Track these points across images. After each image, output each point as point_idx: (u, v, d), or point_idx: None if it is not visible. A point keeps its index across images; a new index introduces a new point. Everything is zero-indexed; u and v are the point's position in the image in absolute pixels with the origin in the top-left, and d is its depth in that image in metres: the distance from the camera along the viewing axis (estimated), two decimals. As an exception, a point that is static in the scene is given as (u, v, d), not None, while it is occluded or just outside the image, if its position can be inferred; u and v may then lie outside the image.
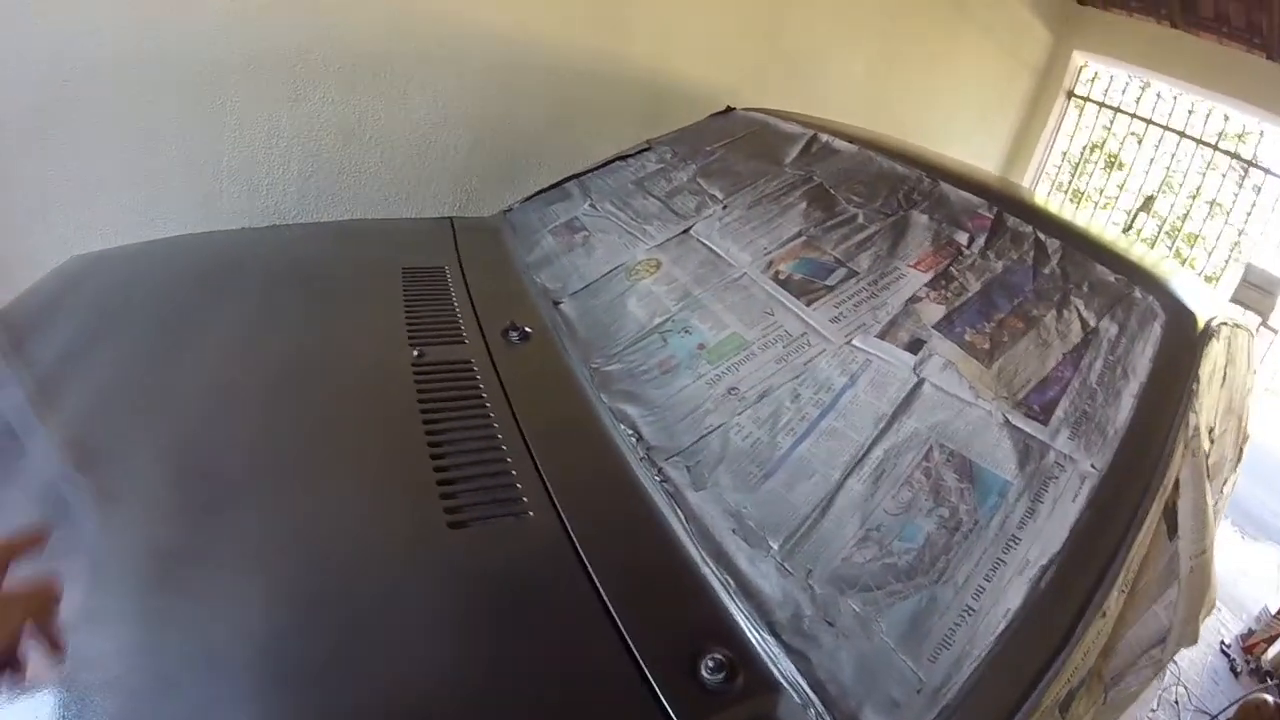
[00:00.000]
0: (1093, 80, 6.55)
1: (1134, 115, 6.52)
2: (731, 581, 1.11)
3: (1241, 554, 5.18)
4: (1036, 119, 6.50)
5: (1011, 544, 1.10)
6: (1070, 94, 6.53)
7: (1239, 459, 2.16)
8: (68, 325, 1.55)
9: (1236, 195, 6.68)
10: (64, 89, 2.32)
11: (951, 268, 1.59)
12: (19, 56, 2.24)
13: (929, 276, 1.57)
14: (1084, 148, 7.44)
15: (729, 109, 2.80)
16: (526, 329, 1.67)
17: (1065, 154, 7.03)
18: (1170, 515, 1.24)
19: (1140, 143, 6.87)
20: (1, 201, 2.37)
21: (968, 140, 5.93)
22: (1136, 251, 1.76)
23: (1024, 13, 5.82)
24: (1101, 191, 8.37)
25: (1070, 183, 7.75)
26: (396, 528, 1.16)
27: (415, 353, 1.53)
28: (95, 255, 1.89)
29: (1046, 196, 6.44)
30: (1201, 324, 1.41)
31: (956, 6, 5.20)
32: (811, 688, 0.98)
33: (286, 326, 1.65)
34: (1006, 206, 1.75)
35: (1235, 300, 5.69)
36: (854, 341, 1.45)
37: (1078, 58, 6.35)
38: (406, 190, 3.14)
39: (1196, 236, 8.47)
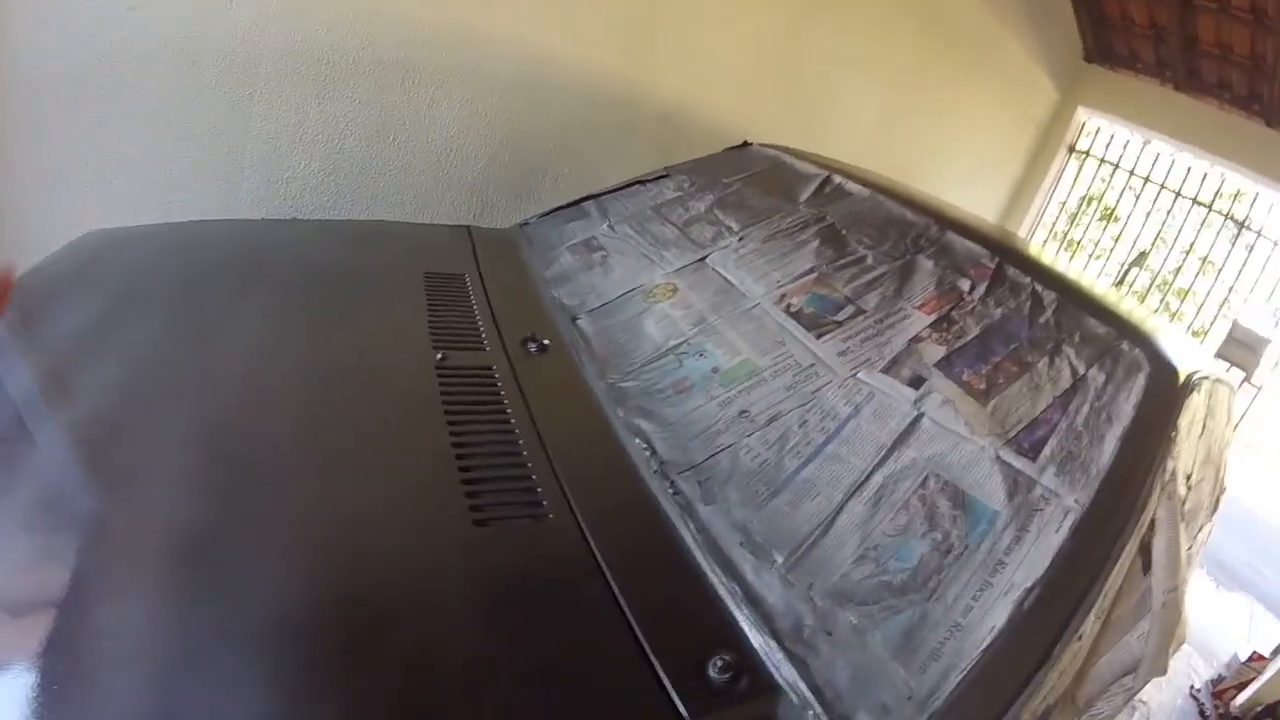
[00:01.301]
0: (1095, 135, 6.70)
1: (1132, 172, 6.67)
2: (738, 590, 1.18)
3: (1215, 604, 5.27)
4: (1037, 170, 6.66)
5: (998, 568, 1.17)
6: (1072, 149, 6.68)
7: (1215, 508, 2.22)
8: (83, 299, 1.57)
9: (1228, 254, 6.81)
10: (98, 61, 2.36)
11: (953, 312, 1.67)
12: (61, 23, 2.28)
13: (932, 319, 1.65)
14: (1081, 199, 7.58)
15: (746, 144, 2.88)
16: (545, 341, 1.73)
17: (1063, 205, 7.17)
18: (1146, 552, 1.31)
19: (1137, 198, 7.01)
20: (23, 165, 2.40)
21: (970, 186, 6.06)
22: (1127, 307, 1.84)
23: (1033, 68, 5.96)
24: (1096, 243, 8.52)
25: (1066, 232, 7.89)
26: (423, 521, 1.21)
27: (439, 355, 1.58)
28: (113, 231, 1.89)
29: (1043, 246, 6.56)
30: (1183, 377, 1.49)
31: (969, 58, 5.34)
32: (810, 691, 1.05)
33: (311, 319, 1.69)
34: (1007, 258, 1.83)
35: (1220, 356, 5.80)
36: (859, 375, 1.53)
37: (1081, 114, 6.50)
38: (423, 196, 3.20)
39: (1187, 292, 8.62)
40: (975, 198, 6.14)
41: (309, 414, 1.38)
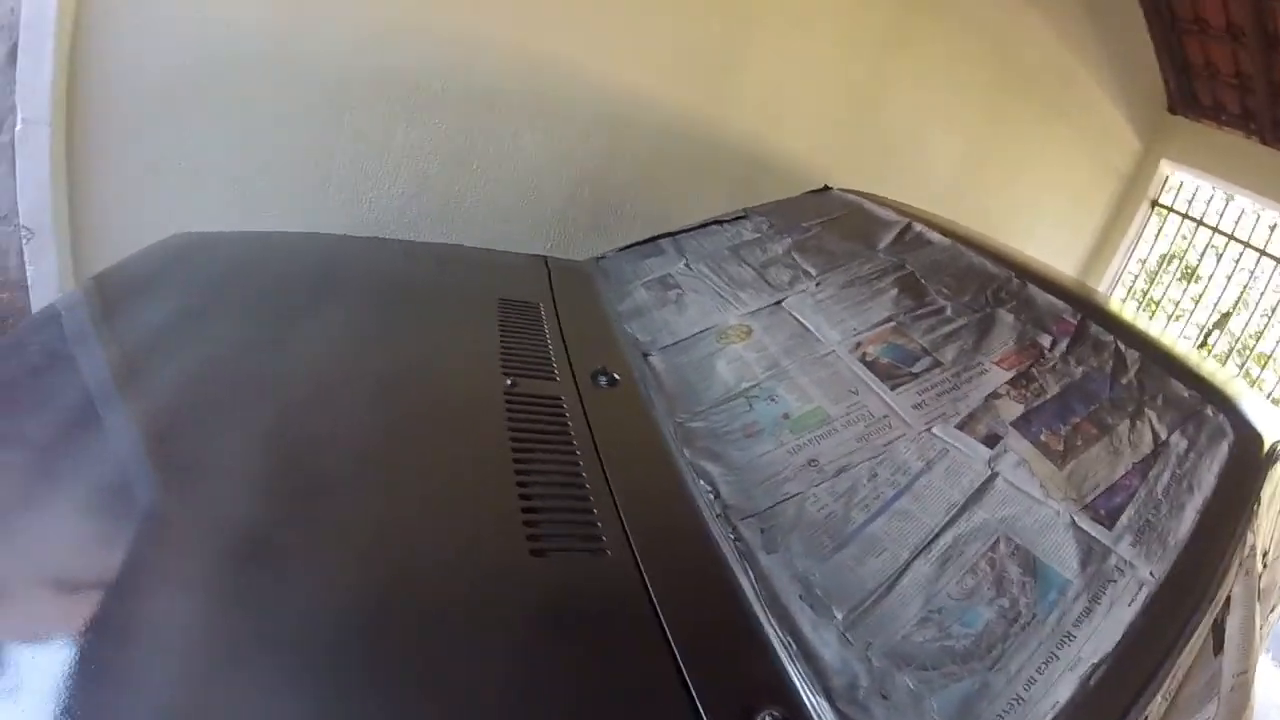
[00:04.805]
0: (1178, 190, 6.56)
1: (1215, 229, 6.51)
2: (793, 644, 1.15)
3: (1278, 687, 5.05)
4: (1119, 224, 6.54)
5: (1066, 640, 1.13)
6: (1154, 203, 6.55)
7: None
8: (163, 297, 1.62)
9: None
10: (199, 72, 2.48)
11: (1033, 369, 1.64)
12: (162, 34, 2.40)
13: (1010, 375, 1.62)
14: (1162, 257, 7.43)
15: (826, 188, 2.88)
16: (615, 375, 1.74)
17: (1143, 261, 7.03)
18: (1218, 631, 1.26)
19: (1219, 257, 6.83)
20: (119, 165, 2.51)
21: (1049, 239, 5.97)
22: (1210, 369, 1.79)
23: (1117, 117, 5.88)
24: (1176, 303, 8.33)
25: (1146, 291, 7.73)
26: (480, 547, 1.21)
27: (508, 382, 1.59)
28: (199, 235, 1.96)
29: (1123, 304, 6.43)
30: (1268, 445, 1.43)
31: (1052, 106, 5.29)
32: (861, 756, 1.02)
33: (383, 336, 1.72)
34: (1090, 314, 1.80)
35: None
36: (933, 429, 1.51)
37: (1165, 167, 6.37)
38: (503, 224, 3.27)
39: (1268, 357, 8.37)
40: (1054, 251, 6.04)
41: (375, 428, 1.40)
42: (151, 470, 1.19)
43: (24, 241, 2.53)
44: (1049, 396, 1.57)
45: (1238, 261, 6.60)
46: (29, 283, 2.59)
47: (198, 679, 0.89)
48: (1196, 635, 1.17)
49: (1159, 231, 6.75)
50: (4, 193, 2.48)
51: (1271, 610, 1.93)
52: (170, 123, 2.52)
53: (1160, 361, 1.66)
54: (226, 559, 1.04)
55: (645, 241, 2.57)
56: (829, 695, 1.09)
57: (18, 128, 2.39)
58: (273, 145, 2.71)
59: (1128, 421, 1.49)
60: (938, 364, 1.69)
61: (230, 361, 1.47)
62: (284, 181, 2.78)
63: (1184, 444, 1.42)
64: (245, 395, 1.39)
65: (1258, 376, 8.51)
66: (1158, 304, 8.35)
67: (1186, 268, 8.32)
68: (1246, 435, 1.43)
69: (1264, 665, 4.96)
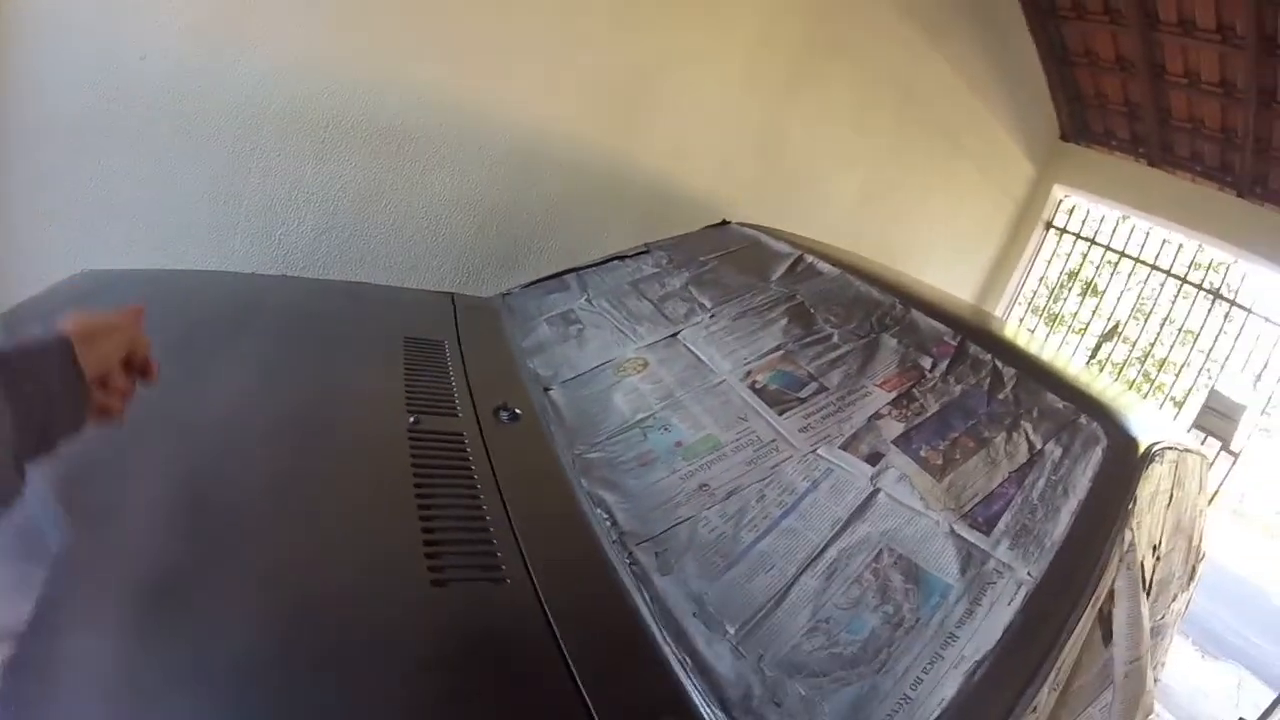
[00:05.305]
0: (1071, 211, 6.85)
1: (1107, 247, 6.80)
2: (689, 660, 1.20)
3: (1201, 672, 5.23)
4: (1015, 247, 6.80)
5: (950, 640, 1.19)
6: (1049, 225, 6.82)
7: (1192, 576, 2.24)
8: None
9: (1204, 323, 6.90)
10: (106, 106, 2.43)
11: (914, 389, 1.72)
12: (70, 67, 2.35)
13: (892, 396, 1.70)
14: (1061, 274, 7.71)
15: (724, 222, 2.95)
16: (517, 410, 1.77)
17: (1043, 280, 7.30)
18: (1106, 623, 1.34)
19: (1115, 271, 7.12)
20: (20, 203, 2.44)
21: (950, 263, 6.18)
22: (1089, 382, 1.88)
23: (1011, 146, 6.11)
24: (1076, 316, 8.63)
25: (1046, 307, 8.00)
26: (383, 579, 1.23)
27: (411, 419, 1.61)
28: (104, 272, 1.92)
29: (1019, 323, 6.65)
30: (1143, 448, 1.53)
31: (950, 137, 5.49)
32: (756, 762, 1.07)
33: (288, 375, 1.73)
34: (970, 336, 1.89)
35: (1197, 425, 5.86)
36: (819, 451, 1.58)
37: (1058, 191, 6.66)
38: (412, 261, 3.26)
39: (1166, 361, 8.72)
40: (955, 275, 6.26)
41: (277, 466, 1.41)
42: (51, 511, 1.15)
43: (-77, 277, 2.42)
44: (929, 414, 1.65)
45: (1131, 274, 6.90)
46: (-73, 320, 2.50)
47: (90, 708, 0.89)
48: (1080, 628, 1.24)
49: (1054, 251, 7.03)
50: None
51: (1174, 599, 2.03)
52: (77, 157, 2.46)
53: (1036, 376, 1.75)
54: (124, 593, 1.04)
55: (550, 277, 2.61)
56: (725, 706, 1.14)
57: (-82, 159, 2.30)
58: (181, 181, 2.65)
59: (1004, 434, 1.57)
60: (824, 389, 1.76)
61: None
62: (192, 217, 2.72)
63: (1059, 452, 1.51)
64: (147, 433, 1.34)
65: (1157, 380, 8.88)
66: (1059, 320, 8.66)
67: (1086, 284, 8.66)
68: (1120, 440, 1.53)
69: (1188, 655, 5.17)
